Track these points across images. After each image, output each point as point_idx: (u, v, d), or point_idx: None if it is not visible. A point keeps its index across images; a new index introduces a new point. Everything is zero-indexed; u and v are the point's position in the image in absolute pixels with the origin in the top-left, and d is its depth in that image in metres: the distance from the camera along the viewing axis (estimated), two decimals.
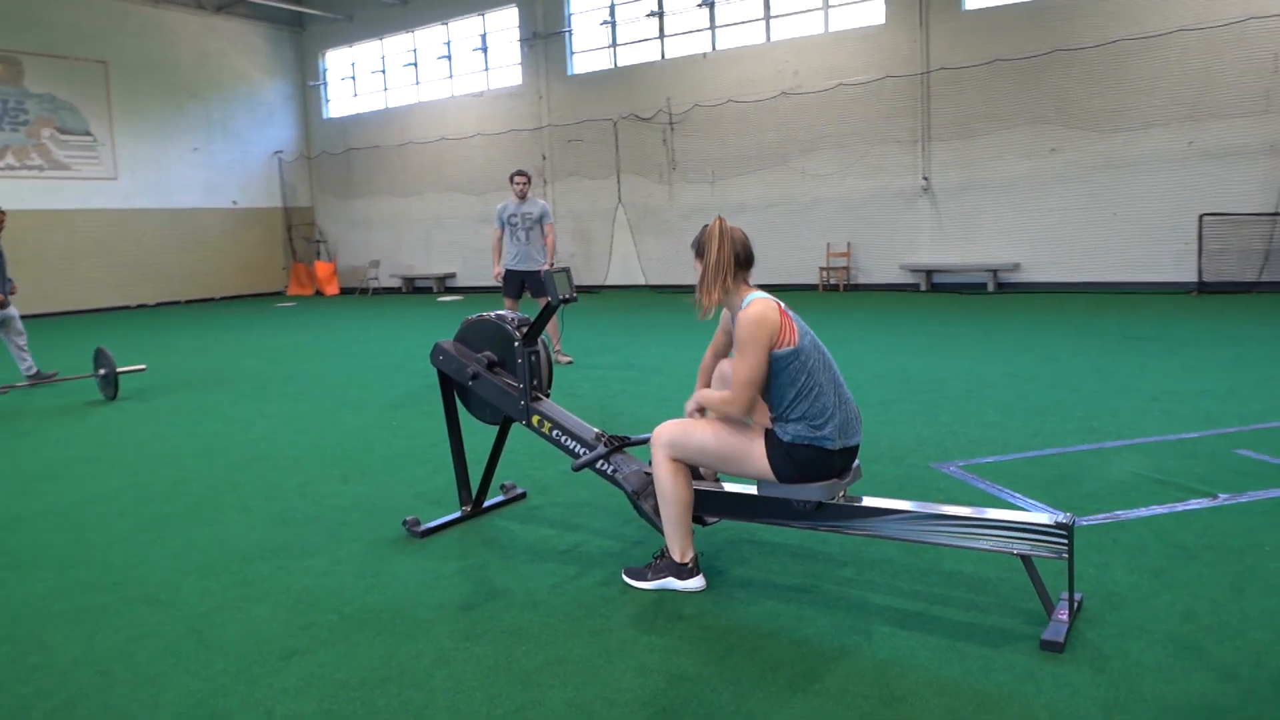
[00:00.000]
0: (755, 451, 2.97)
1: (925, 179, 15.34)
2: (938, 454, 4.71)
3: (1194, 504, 3.77)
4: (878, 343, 9.02)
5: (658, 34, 17.73)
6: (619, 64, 18.43)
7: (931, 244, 15.51)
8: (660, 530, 3.21)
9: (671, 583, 3.11)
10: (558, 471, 4.63)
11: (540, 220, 8.19)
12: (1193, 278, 13.49)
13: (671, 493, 3.06)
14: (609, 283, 18.76)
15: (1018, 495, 3.97)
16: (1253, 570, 3.06)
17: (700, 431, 3.05)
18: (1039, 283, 14.59)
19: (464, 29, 20.32)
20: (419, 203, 21.54)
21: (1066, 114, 14.17)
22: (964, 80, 14.75)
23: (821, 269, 16.25)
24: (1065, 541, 2.68)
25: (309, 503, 4.34)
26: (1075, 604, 2.77)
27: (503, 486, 4.25)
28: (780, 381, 2.92)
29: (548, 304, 3.61)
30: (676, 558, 3.12)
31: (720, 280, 2.95)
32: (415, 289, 21.50)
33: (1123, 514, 3.67)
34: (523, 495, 4.25)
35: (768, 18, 16.56)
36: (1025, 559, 2.76)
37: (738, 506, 3.23)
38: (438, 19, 20.58)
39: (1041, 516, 2.74)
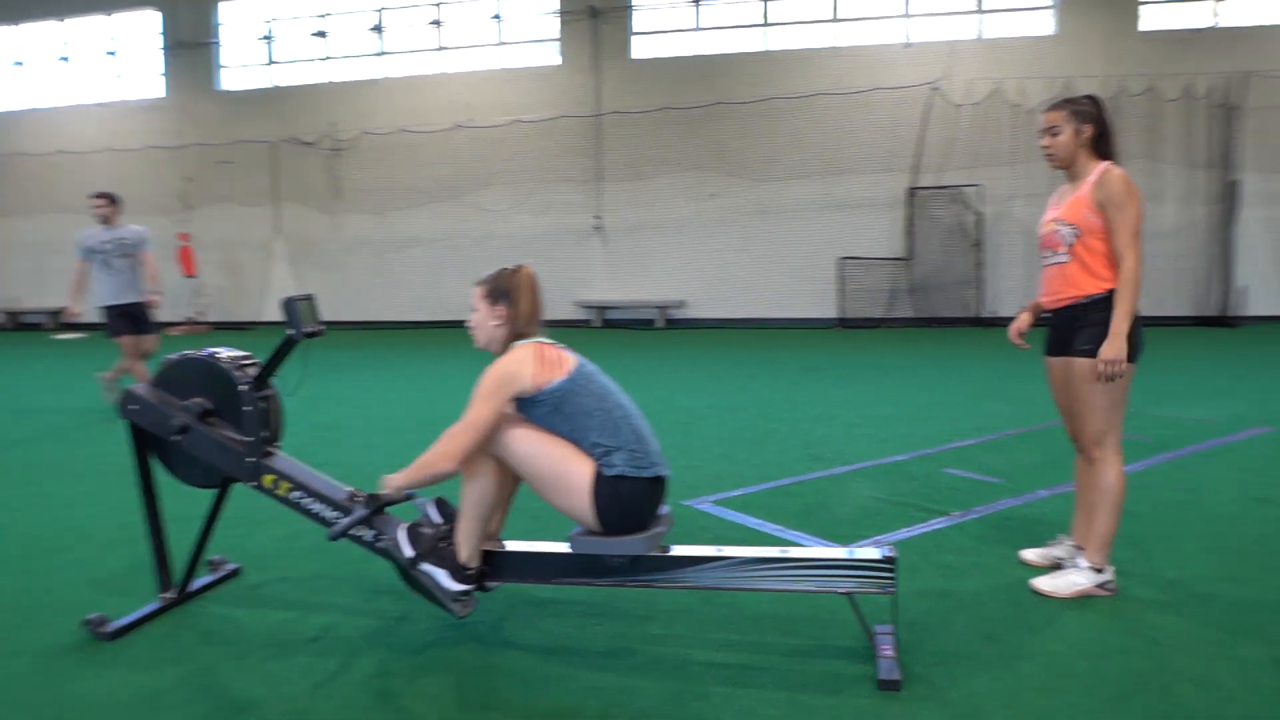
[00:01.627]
0: (576, 477, 2.63)
1: (598, 218, 15.75)
2: (686, 491, 4.60)
3: (936, 524, 3.96)
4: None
5: (322, 55, 16.64)
6: (278, 83, 17.04)
7: (604, 281, 15.92)
8: (439, 603, 2.73)
9: (442, 577, 2.71)
10: (272, 539, 3.89)
11: (138, 246, 7.11)
12: (834, 314, 15.06)
13: (483, 495, 2.70)
14: (265, 319, 17.13)
15: (781, 528, 3.94)
16: (1019, 584, 3.22)
17: (526, 442, 2.67)
18: (703, 319, 15.50)
19: (89, 28, 17.69)
20: (27, 224, 18.31)
21: (725, 162, 15.27)
22: (635, 125, 15.39)
23: None
24: (891, 575, 2.61)
25: None
26: (886, 637, 2.71)
27: (210, 563, 3.46)
28: (565, 415, 2.69)
29: (287, 339, 2.97)
30: (462, 557, 2.72)
31: (518, 333, 2.82)
32: (21, 325, 18.20)
33: (882, 538, 3.76)
34: (236, 571, 3.49)
35: (441, 49, 16.19)
36: (850, 596, 2.66)
37: (537, 568, 2.83)
38: (52, 14, 17.76)
39: (869, 552, 2.64)
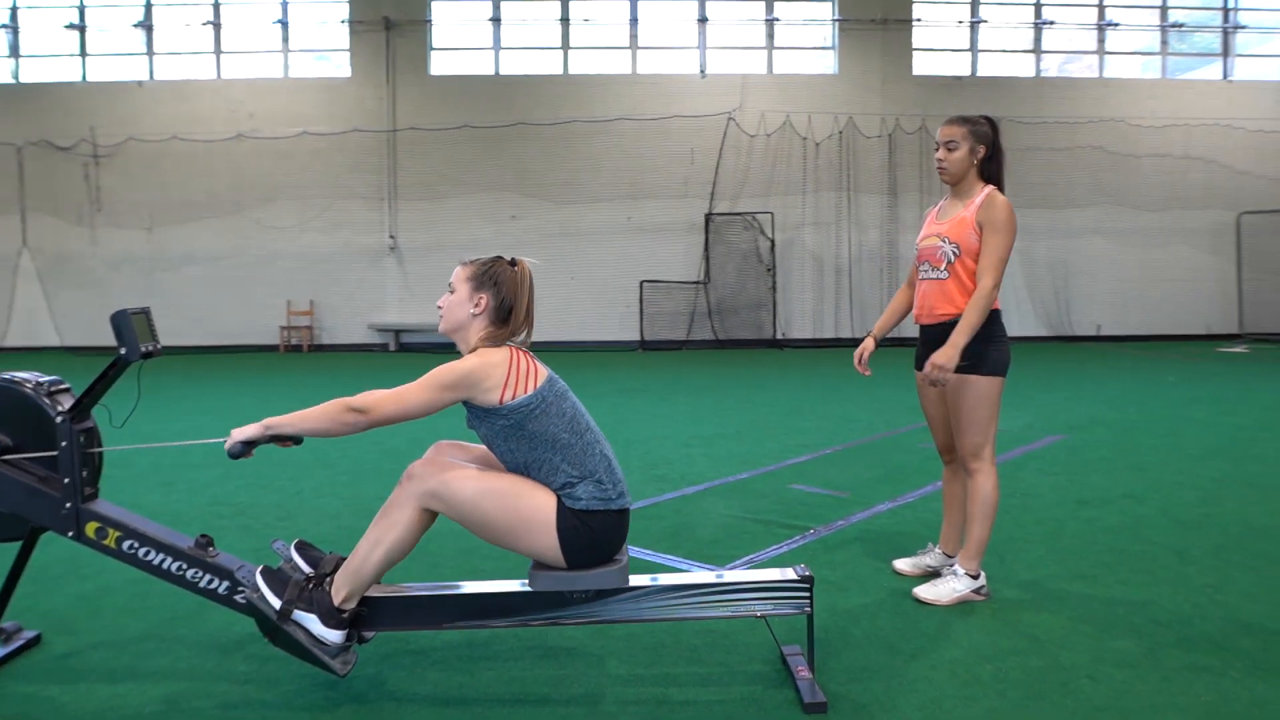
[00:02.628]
0: (539, 515, 2.38)
1: (392, 237, 15.15)
2: None
3: (801, 540, 3.98)
4: None
5: (79, 50, 15.01)
6: (23, 78, 15.18)
7: (400, 303, 15.31)
8: (314, 660, 2.40)
9: (314, 623, 2.39)
10: (72, 597, 3.32)
11: None
12: (636, 336, 15.23)
13: (398, 546, 2.41)
14: (8, 344, 15.15)
15: (652, 553, 3.82)
16: (899, 594, 3.27)
17: (472, 483, 2.37)
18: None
19: None
20: None
21: (526, 184, 15.13)
22: (432, 142, 14.94)
23: (283, 328, 15.03)
24: (807, 594, 2.55)
25: None
26: (798, 657, 2.65)
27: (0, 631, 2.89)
28: (526, 435, 2.43)
29: (118, 359, 2.53)
30: (337, 600, 2.40)
31: (496, 333, 2.53)
32: None
33: (756, 557, 3.73)
34: (36, 640, 2.93)
35: (219, 52, 15.03)
36: (766, 620, 2.58)
37: (427, 612, 2.54)
38: None
39: (786, 572, 2.57)
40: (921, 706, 2.42)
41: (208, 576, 2.53)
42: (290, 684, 2.60)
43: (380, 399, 2.35)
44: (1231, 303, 15.74)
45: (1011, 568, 3.55)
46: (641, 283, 15.18)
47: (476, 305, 2.56)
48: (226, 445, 2.35)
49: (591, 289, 15.28)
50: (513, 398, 2.40)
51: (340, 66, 14.88)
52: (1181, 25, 16.11)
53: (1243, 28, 16.07)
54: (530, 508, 2.39)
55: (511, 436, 2.43)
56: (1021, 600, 3.21)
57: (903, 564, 3.52)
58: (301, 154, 14.80)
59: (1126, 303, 15.68)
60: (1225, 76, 16.15)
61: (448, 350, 14.83)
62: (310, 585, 2.44)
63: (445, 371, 2.39)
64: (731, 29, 15.34)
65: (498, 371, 2.41)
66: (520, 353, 2.51)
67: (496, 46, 15.00)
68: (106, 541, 2.54)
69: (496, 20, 14.92)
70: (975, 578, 3.18)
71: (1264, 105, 15.96)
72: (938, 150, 3.29)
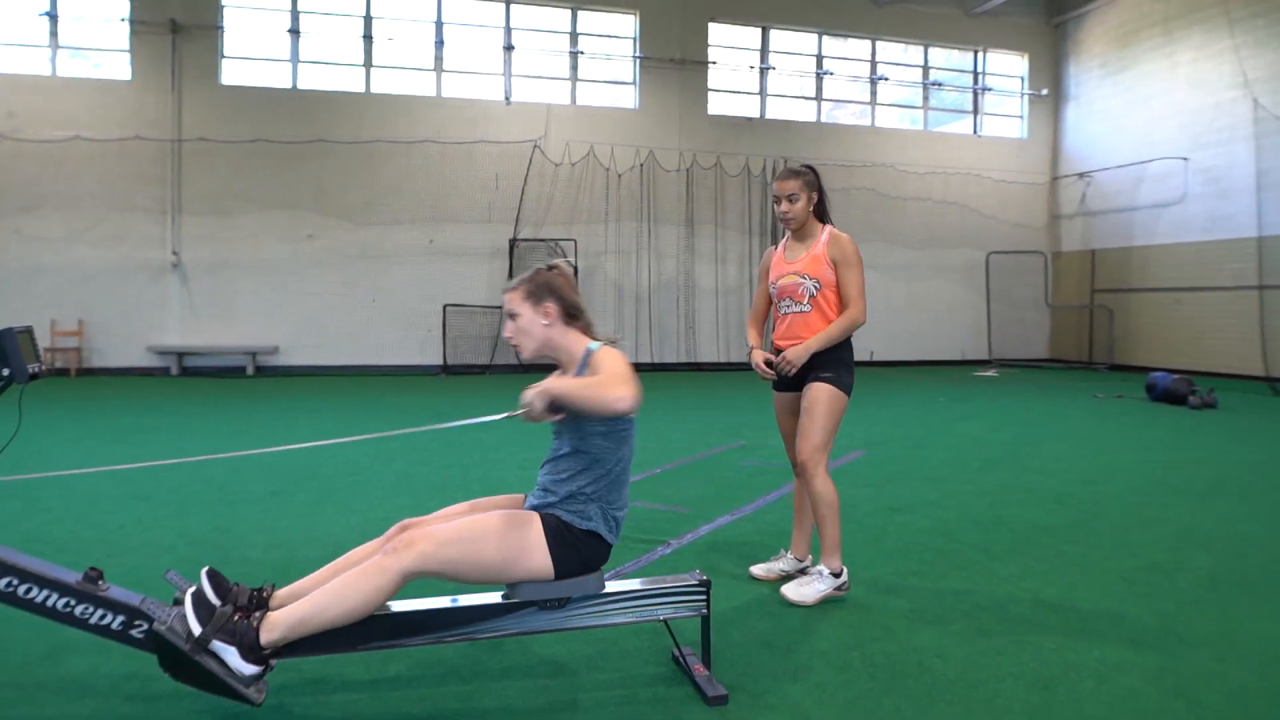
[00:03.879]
0: (529, 542, 2.49)
1: (175, 254, 14.18)
2: None
3: (659, 552, 4.21)
4: (197, 431, 7.95)
5: None
6: None
7: (183, 324, 14.32)
8: (226, 691, 2.35)
9: (231, 655, 2.35)
10: None
11: None
12: (438, 361, 15.05)
13: (362, 609, 2.42)
14: None
15: None
16: (763, 598, 3.56)
17: (464, 536, 2.44)
18: (299, 365, 14.60)
19: None
20: None
21: (324, 202, 14.63)
22: (222, 155, 14.14)
23: (47, 350, 13.66)
24: (704, 597, 2.77)
25: None
26: (692, 657, 2.86)
27: None
28: (605, 450, 2.61)
29: (7, 381, 2.37)
30: (266, 638, 2.37)
31: (584, 325, 2.74)
32: None
33: (622, 570, 3.91)
34: None
35: None
36: (666, 623, 2.77)
37: (339, 636, 2.53)
38: None
39: (686, 579, 2.77)
40: (809, 692, 2.70)
41: (100, 611, 2.42)
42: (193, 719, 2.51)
43: (635, 387, 2.37)
44: (982, 331, 17.68)
45: (852, 568, 3.93)
46: (445, 306, 15.03)
47: (545, 316, 2.67)
48: (541, 405, 2.34)
49: (392, 312, 14.95)
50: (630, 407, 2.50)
51: (120, 69, 13.78)
52: (940, 84, 18.02)
53: (989, 89, 18.21)
54: (518, 537, 2.49)
55: (599, 439, 2.60)
56: (868, 596, 3.59)
57: (759, 570, 3.83)
58: (74, 160, 13.53)
59: (895, 331, 17.22)
60: (975, 132, 18.22)
61: (236, 374, 14.01)
62: (235, 618, 2.39)
63: (620, 362, 2.51)
64: (537, 59, 15.60)
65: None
66: None
67: (295, 59, 14.44)
68: None
69: (295, 32, 14.37)
70: (838, 575, 3.51)
71: (1006, 159, 18.12)
72: (780, 204, 3.65)
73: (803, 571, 3.77)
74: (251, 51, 14.39)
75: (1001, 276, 17.85)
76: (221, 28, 14.08)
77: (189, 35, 13.87)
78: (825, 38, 17.12)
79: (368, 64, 14.78)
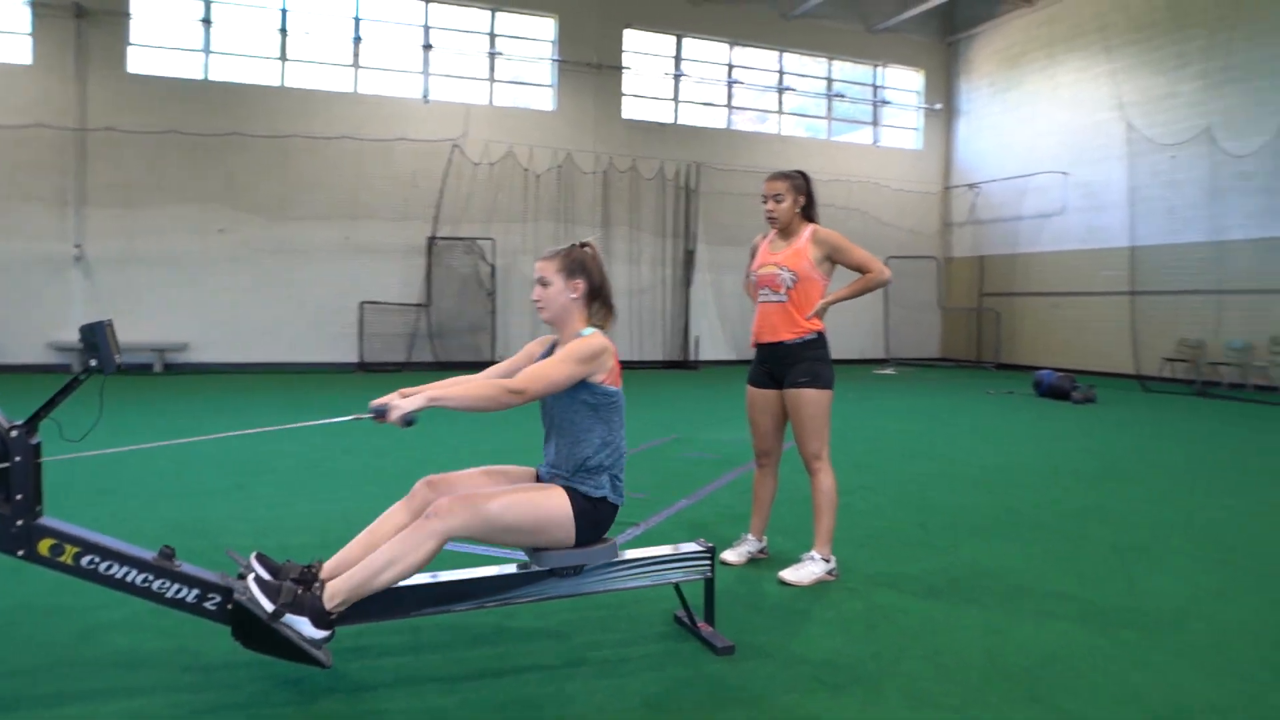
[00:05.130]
0: (560, 511, 2.78)
1: (78, 246, 13.74)
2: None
3: (633, 533, 4.58)
4: (105, 429, 7.89)
5: None
6: None
7: (88, 319, 13.82)
8: (301, 656, 2.59)
9: (304, 625, 2.59)
10: None
11: None
12: (354, 358, 15.01)
13: (411, 570, 2.67)
14: None
15: (508, 550, 4.21)
16: (742, 572, 3.96)
17: (494, 504, 2.69)
18: (210, 363, 14.34)
19: None
20: None
21: (237, 197, 14.40)
22: (130, 145, 13.78)
23: None
24: (710, 562, 3.15)
25: None
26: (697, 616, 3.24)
27: None
28: (597, 419, 2.89)
29: (86, 372, 2.56)
30: (330, 605, 2.62)
31: (604, 311, 2.99)
32: None
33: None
34: None
35: None
36: (677, 586, 3.14)
37: (395, 603, 2.80)
38: None
39: (692, 546, 3.15)
40: (800, 643, 3.11)
41: (176, 586, 2.63)
42: (253, 685, 2.75)
43: (533, 379, 2.69)
44: (880, 332, 18.63)
45: (808, 546, 4.38)
46: (361, 303, 14.99)
47: (574, 290, 2.93)
48: (395, 416, 2.53)
49: (307, 309, 14.81)
50: (610, 384, 2.87)
51: (20, 53, 13.25)
52: (843, 96, 18.89)
53: (887, 103, 19.19)
54: (548, 507, 2.79)
55: (590, 414, 2.87)
56: (847, 578, 4.02)
57: (730, 555, 4.15)
58: None
59: None
60: (874, 143, 19.17)
61: (142, 372, 13.67)
62: (300, 591, 2.64)
63: (582, 347, 2.79)
64: (455, 59, 15.70)
65: (610, 359, 2.87)
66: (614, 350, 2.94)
67: (207, 49, 14.15)
68: (62, 558, 2.55)
69: (207, 22, 14.09)
70: (828, 561, 3.90)
71: (902, 169, 19.13)
72: (767, 203, 4.02)
73: (762, 551, 4.18)
74: (160, 40, 14.05)
75: (898, 280, 18.80)
76: (128, 15, 13.70)
77: (94, 20, 13.46)
78: (736, 48, 17.74)
79: (283, 57, 14.61)
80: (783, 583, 3.80)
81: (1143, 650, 3.08)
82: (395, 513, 2.93)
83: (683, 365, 16.96)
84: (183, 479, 5.68)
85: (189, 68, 14.17)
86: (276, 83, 14.59)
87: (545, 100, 16.31)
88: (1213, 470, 6.66)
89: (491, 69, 15.88)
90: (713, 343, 17.54)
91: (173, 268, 14.14)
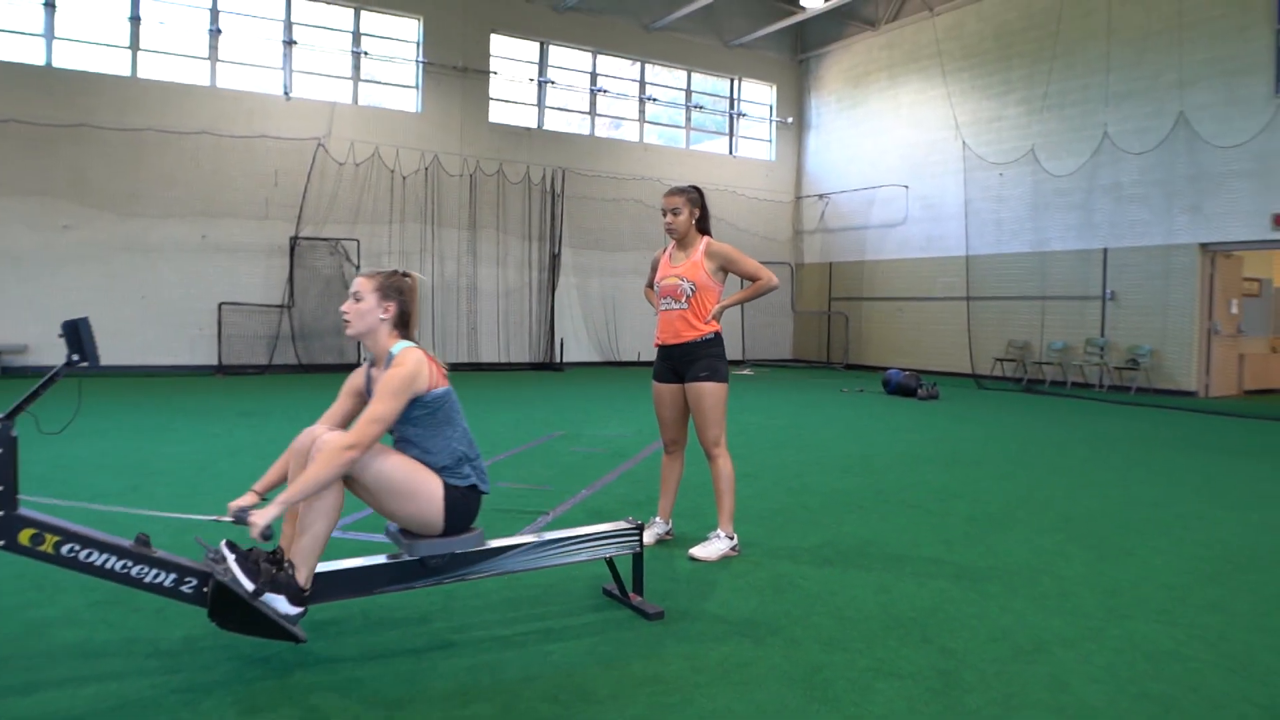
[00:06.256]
0: (432, 491, 2.98)
1: None
2: None
3: (546, 519, 4.87)
4: None
5: None
6: None
7: None
8: (278, 633, 2.78)
9: (281, 603, 2.75)
10: None
11: None
12: (213, 361, 14.53)
13: (332, 509, 2.84)
14: None
15: None
16: (654, 551, 4.33)
17: (382, 454, 2.92)
18: (52, 365, 13.52)
19: None
20: None
21: (84, 191, 13.72)
22: None
23: None
24: (638, 538, 3.50)
25: None
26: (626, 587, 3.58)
27: None
28: (438, 421, 3.05)
29: (70, 364, 2.66)
30: (301, 580, 2.81)
31: (409, 334, 3.13)
32: None
33: (525, 533, 4.54)
34: None
35: None
36: (610, 560, 3.48)
37: (361, 581, 3.03)
38: None
39: (621, 524, 3.48)
40: (719, 607, 3.50)
41: (154, 571, 2.77)
42: (224, 665, 2.91)
43: (364, 430, 2.81)
44: (737, 334, 19.47)
45: (706, 527, 4.80)
46: (220, 304, 14.53)
47: (385, 311, 3.09)
48: (257, 532, 2.64)
49: (162, 309, 14.23)
50: (435, 388, 3.03)
51: None
52: (701, 107, 19.65)
53: (743, 115, 20.09)
54: (423, 480, 3.00)
55: (424, 420, 3.03)
56: (749, 553, 4.45)
57: (646, 537, 4.55)
58: None
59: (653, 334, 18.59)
60: (730, 152, 20.03)
61: None
62: (275, 571, 2.82)
63: (395, 379, 2.95)
64: (319, 56, 15.43)
65: (424, 368, 3.01)
66: (425, 353, 3.09)
67: (49, 34, 13.37)
68: (43, 547, 2.65)
69: (50, 6, 13.33)
70: (731, 538, 4.31)
71: (757, 178, 20.07)
72: (666, 216, 4.41)
73: (669, 533, 4.57)
74: None
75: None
76: None
77: None
78: (599, 56, 18.17)
79: (134, 46, 13.99)
80: (693, 559, 4.20)
81: (1005, 599, 3.64)
82: (293, 456, 2.99)
83: (549, 367, 17.23)
84: (68, 484, 5.57)
85: (30, 53, 13.37)
86: (128, 73, 13.95)
87: (411, 102, 16.25)
88: (1043, 455, 7.55)
89: (356, 68, 15.70)
90: (577, 344, 17.89)
91: (11, 265, 13.31)
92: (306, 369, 15.06)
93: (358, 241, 15.50)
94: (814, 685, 2.78)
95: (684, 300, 4.33)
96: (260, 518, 2.69)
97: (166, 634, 3.13)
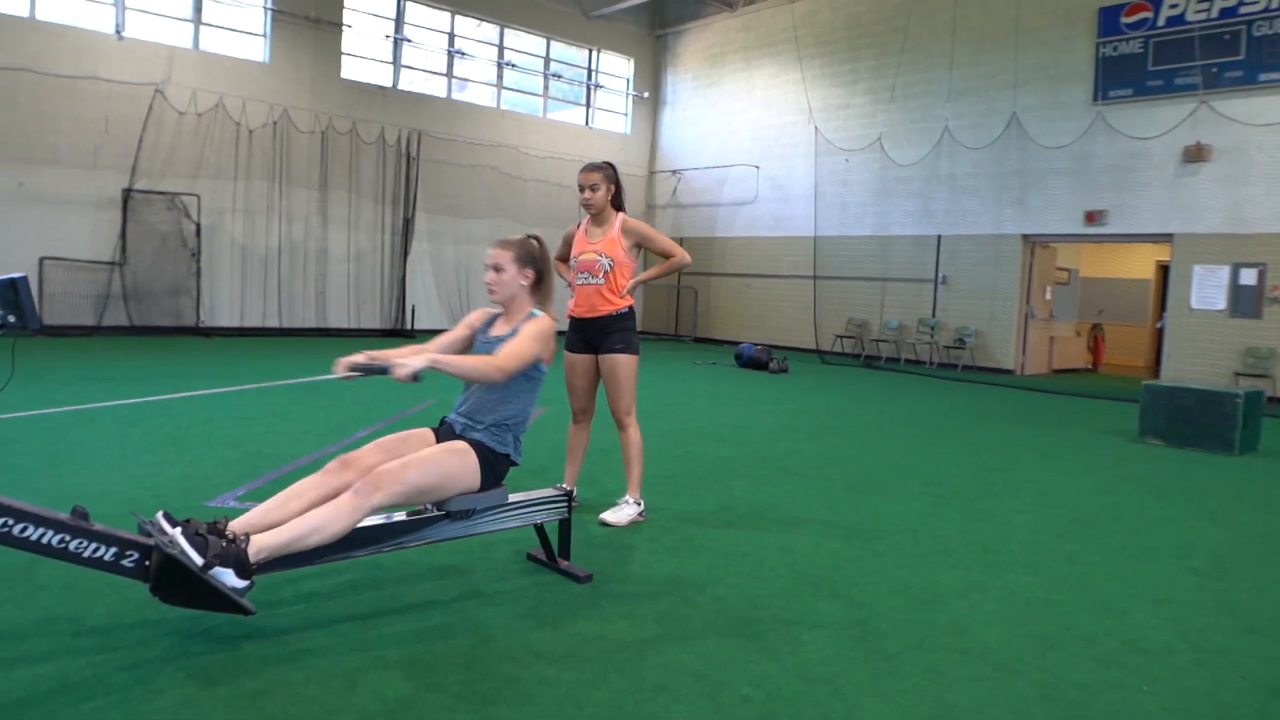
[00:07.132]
0: (468, 466, 3.07)
1: None
2: (205, 492, 4.58)
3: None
4: None
5: None
6: None
7: None
8: (227, 605, 2.75)
9: (230, 577, 2.72)
10: None
11: None
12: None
13: (336, 537, 2.90)
14: None
15: None
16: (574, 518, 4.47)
17: (413, 472, 2.97)
18: None
19: None
20: None
21: None
22: None
23: None
24: (566, 504, 3.63)
25: None
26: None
27: None
28: (526, 389, 3.29)
29: (5, 325, 2.53)
30: (254, 557, 2.79)
31: (546, 299, 3.45)
32: None
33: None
34: None
35: None
36: (539, 526, 3.60)
37: (303, 552, 3.02)
38: None
39: (550, 491, 3.60)
40: (640, 568, 3.70)
41: (94, 545, 2.68)
42: (164, 640, 2.86)
43: (513, 358, 3.09)
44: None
45: (602, 496, 4.97)
46: (41, 259, 13.41)
47: (525, 278, 3.36)
48: (403, 373, 2.83)
49: None
50: (548, 362, 3.30)
51: None
52: (560, 76, 19.58)
53: (600, 86, 20.17)
54: (457, 466, 3.12)
55: (524, 382, 3.28)
56: (656, 518, 4.66)
57: None
58: None
59: None
60: (587, 124, 20.08)
61: None
62: (225, 544, 2.78)
63: (543, 329, 3.24)
64: None
65: (554, 338, 3.34)
66: None
67: None
68: None
69: None
70: (639, 504, 4.49)
71: (612, 151, 20.19)
72: (583, 192, 4.53)
73: (574, 500, 4.72)
74: None
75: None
76: None
77: None
78: (457, 17, 17.77)
79: None
80: (604, 524, 4.37)
81: (895, 556, 4.02)
82: (308, 489, 3.05)
83: (400, 334, 16.89)
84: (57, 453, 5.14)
85: None
86: None
87: (258, 51, 15.41)
88: (897, 426, 8.16)
89: (198, 10, 14.72)
90: (429, 311, 17.59)
91: None
92: (140, 330, 14.14)
93: (198, 197, 14.63)
94: (749, 637, 3.02)
95: (601, 275, 4.47)
96: (411, 361, 2.88)
97: (85, 611, 3.03)
